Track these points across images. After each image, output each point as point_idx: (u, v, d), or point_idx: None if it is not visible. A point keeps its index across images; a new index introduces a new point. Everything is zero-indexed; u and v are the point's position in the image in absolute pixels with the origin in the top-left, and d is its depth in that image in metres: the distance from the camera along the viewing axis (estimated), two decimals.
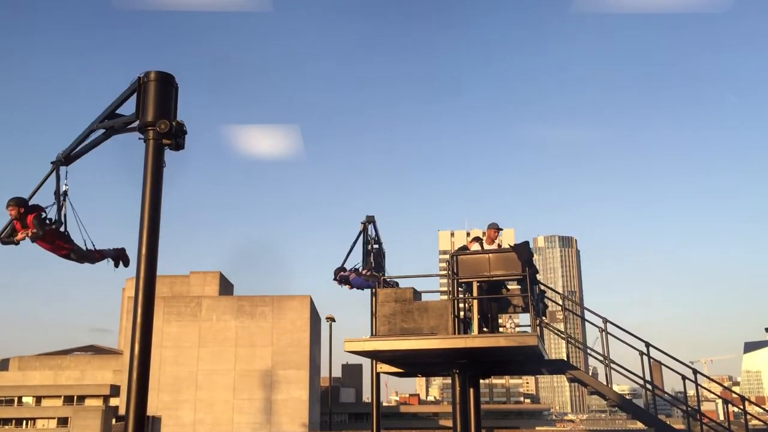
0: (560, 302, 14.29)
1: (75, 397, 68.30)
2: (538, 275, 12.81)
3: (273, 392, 53.14)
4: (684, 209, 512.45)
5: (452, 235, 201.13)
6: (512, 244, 12.22)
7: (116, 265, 8.08)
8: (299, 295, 56.87)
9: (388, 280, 14.13)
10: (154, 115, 6.68)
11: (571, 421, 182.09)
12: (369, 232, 14.11)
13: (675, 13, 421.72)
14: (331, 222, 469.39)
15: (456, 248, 13.61)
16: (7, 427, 65.33)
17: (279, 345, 53.98)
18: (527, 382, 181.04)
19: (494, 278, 12.08)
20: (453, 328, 11.70)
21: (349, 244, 14.56)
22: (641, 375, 12.90)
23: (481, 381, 14.54)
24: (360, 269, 13.94)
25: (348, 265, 14.07)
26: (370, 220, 14.25)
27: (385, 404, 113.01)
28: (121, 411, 52.05)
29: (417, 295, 12.53)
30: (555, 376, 15.20)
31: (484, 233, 13.47)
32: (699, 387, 13.39)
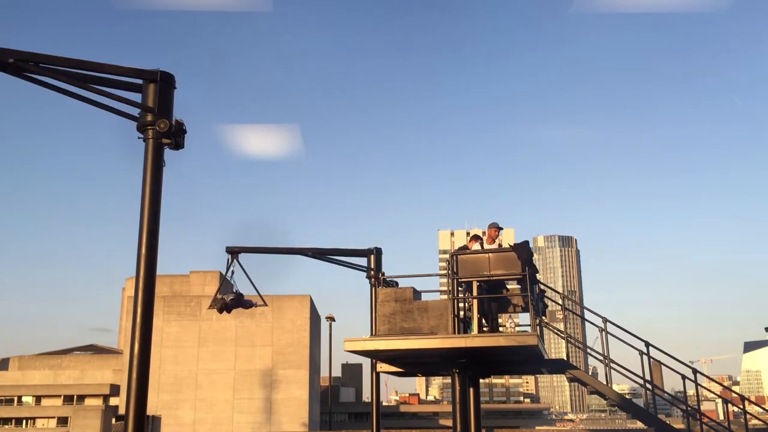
0: (560, 302, 14.30)
1: (75, 397, 68.33)
2: (537, 275, 12.81)
3: (273, 392, 53.14)
4: (684, 209, 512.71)
5: (452, 234, 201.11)
6: (512, 244, 12.21)
7: None
8: (299, 294, 56.82)
9: (387, 279, 14.19)
10: (153, 114, 6.67)
11: (571, 420, 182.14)
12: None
13: (675, 12, 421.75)
14: (330, 221, 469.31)
15: (456, 248, 13.66)
16: (7, 426, 65.36)
17: (279, 345, 53.97)
18: (527, 382, 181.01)
19: (494, 278, 12.07)
20: (453, 327, 11.70)
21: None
22: (641, 374, 12.91)
23: (481, 381, 14.54)
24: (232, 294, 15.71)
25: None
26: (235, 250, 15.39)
27: (385, 404, 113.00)
28: (121, 410, 52.06)
29: (417, 294, 12.52)
30: (555, 375, 15.21)
31: (484, 233, 13.47)
32: (699, 386, 13.40)
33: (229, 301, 15.48)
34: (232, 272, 15.19)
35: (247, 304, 15.80)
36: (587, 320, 13.49)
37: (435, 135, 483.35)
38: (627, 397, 14.65)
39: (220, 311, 15.58)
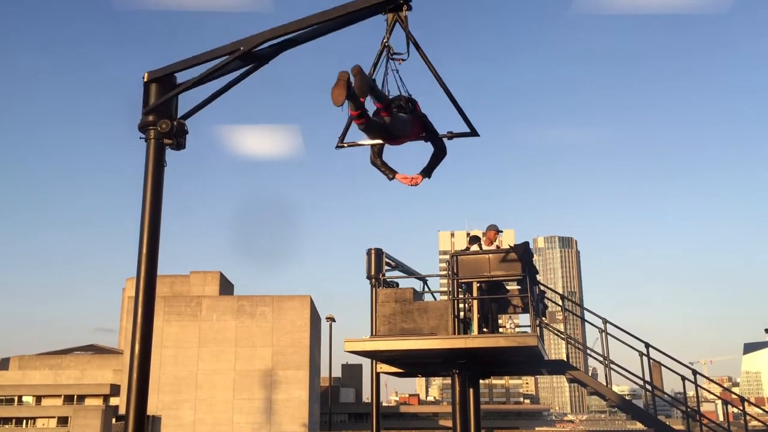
0: (560, 303, 14.31)
1: (75, 397, 68.35)
2: (537, 276, 12.83)
3: (273, 392, 53.15)
4: (684, 209, 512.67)
5: (452, 235, 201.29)
6: (512, 245, 12.23)
7: None
8: (299, 294, 56.87)
9: (387, 280, 14.20)
10: (155, 114, 6.69)
11: (571, 421, 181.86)
12: None
13: (675, 13, 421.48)
14: (331, 222, 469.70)
15: (455, 249, 13.69)
16: (7, 426, 65.40)
17: (279, 345, 53.98)
18: (527, 383, 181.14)
19: (494, 279, 12.09)
20: (453, 328, 11.71)
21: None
22: (641, 375, 12.92)
23: (481, 381, 14.56)
24: None
25: None
26: None
27: (384, 404, 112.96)
28: (121, 410, 52.06)
29: (417, 295, 12.54)
30: (555, 376, 15.23)
31: (483, 234, 13.49)
32: (698, 388, 13.40)
33: None
34: None
35: None
36: (587, 321, 13.51)
37: None
38: (627, 398, 14.67)
39: None
